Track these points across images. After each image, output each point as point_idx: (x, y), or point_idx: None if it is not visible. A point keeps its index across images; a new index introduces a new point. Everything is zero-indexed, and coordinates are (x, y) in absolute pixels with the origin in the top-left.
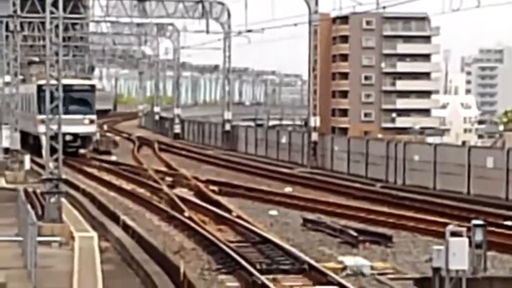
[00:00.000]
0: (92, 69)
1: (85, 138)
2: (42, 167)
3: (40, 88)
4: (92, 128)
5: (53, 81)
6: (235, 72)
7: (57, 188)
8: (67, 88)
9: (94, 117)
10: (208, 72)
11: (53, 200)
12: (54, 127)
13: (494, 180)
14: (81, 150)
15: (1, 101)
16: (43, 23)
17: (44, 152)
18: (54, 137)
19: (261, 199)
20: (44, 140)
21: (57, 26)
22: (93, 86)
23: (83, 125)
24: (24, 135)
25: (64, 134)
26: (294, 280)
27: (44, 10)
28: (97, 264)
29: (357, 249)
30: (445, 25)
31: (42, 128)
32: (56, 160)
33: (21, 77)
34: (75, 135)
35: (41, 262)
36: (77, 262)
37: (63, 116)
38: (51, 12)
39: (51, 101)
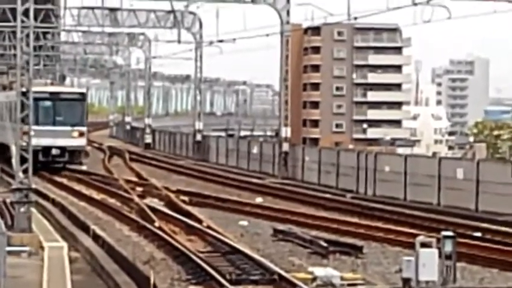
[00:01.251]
0: (63, 78)
1: (73, 153)
2: (12, 176)
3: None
4: (82, 142)
5: (39, 88)
6: (206, 82)
7: (26, 198)
8: (53, 96)
9: (84, 129)
10: (179, 82)
11: (22, 209)
12: (44, 140)
13: (464, 191)
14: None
15: None
16: (14, 32)
17: (14, 163)
18: (41, 151)
19: (232, 209)
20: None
21: (28, 35)
22: (83, 94)
23: (71, 137)
24: (4, 148)
25: (50, 148)
26: None
27: (14, 19)
28: (67, 274)
29: (327, 260)
30: (416, 36)
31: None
32: (26, 170)
33: None
34: (63, 149)
35: (10, 272)
36: (47, 272)
37: (49, 128)
38: (22, 21)
39: (37, 110)
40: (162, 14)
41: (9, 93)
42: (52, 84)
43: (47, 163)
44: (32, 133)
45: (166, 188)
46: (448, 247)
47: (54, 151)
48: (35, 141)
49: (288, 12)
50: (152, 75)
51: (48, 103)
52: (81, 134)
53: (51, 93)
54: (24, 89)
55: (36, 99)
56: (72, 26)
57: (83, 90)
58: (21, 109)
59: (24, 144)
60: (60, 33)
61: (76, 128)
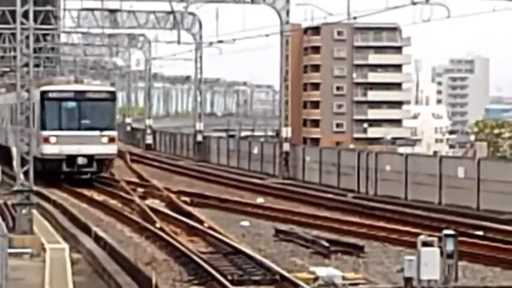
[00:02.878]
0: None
1: (102, 162)
2: (14, 178)
3: (45, 96)
4: (112, 149)
5: (61, 87)
6: (206, 83)
7: (28, 200)
8: (79, 96)
9: (115, 133)
10: (179, 83)
11: (24, 211)
12: (68, 148)
13: (465, 190)
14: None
15: None
16: (14, 34)
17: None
18: (65, 160)
19: (233, 210)
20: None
21: (27, 37)
22: (113, 93)
23: (100, 144)
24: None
25: (75, 157)
26: None
27: (14, 21)
28: (68, 275)
29: (329, 260)
30: (416, 35)
31: (49, 148)
32: (27, 172)
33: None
34: (90, 158)
35: (11, 274)
36: (48, 274)
37: (74, 133)
38: (22, 23)
39: (60, 113)
40: (161, 15)
41: (13, 94)
42: (77, 81)
43: (72, 174)
44: (54, 140)
45: (168, 189)
46: (450, 246)
47: (80, 160)
48: (57, 149)
49: (287, 12)
50: (152, 76)
51: (72, 104)
52: (112, 140)
53: (76, 92)
54: (46, 88)
55: (58, 100)
56: (72, 27)
57: (112, 88)
58: (41, 112)
59: (46, 153)
60: (60, 35)
61: (105, 132)
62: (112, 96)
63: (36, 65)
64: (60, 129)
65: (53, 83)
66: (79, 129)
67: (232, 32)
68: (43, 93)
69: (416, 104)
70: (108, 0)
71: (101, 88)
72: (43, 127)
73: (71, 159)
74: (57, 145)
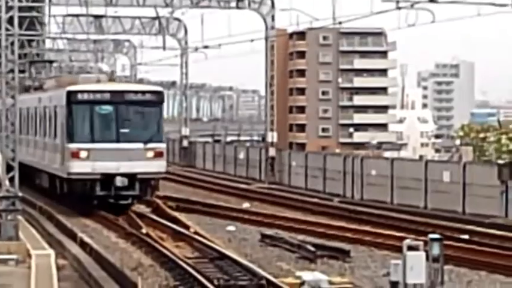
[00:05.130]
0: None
1: (147, 183)
2: None
3: (73, 98)
4: (159, 165)
5: (93, 87)
6: (192, 88)
7: (13, 206)
8: (116, 98)
9: (163, 146)
10: (165, 89)
11: (9, 217)
12: (103, 165)
13: (450, 194)
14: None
15: None
16: None
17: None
18: (99, 181)
19: (219, 215)
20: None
21: (12, 43)
22: (160, 95)
23: (144, 159)
24: (35, 172)
25: (112, 176)
26: None
27: None
28: (54, 282)
29: (315, 264)
30: (401, 40)
31: (78, 166)
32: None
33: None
34: (131, 178)
35: None
36: (34, 280)
37: (110, 146)
38: (7, 29)
39: (92, 120)
40: (147, 20)
41: (46, 94)
42: (112, 79)
43: (107, 198)
44: (85, 155)
45: None
46: (436, 250)
47: (118, 181)
48: (89, 167)
49: (272, 18)
50: (138, 82)
51: (108, 108)
52: (159, 154)
53: (112, 93)
54: (73, 88)
55: (90, 103)
56: (57, 33)
57: (159, 88)
58: (67, 118)
59: (74, 171)
60: (45, 41)
61: (151, 145)
62: (159, 98)
63: (22, 71)
64: (93, 141)
65: (79, 81)
66: (117, 141)
67: (218, 37)
68: (70, 94)
69: (402, 109)
70: (93, 6)
71: (145, 88)
72: (70, 138)
73: (107, 179)
74: (88, 161)
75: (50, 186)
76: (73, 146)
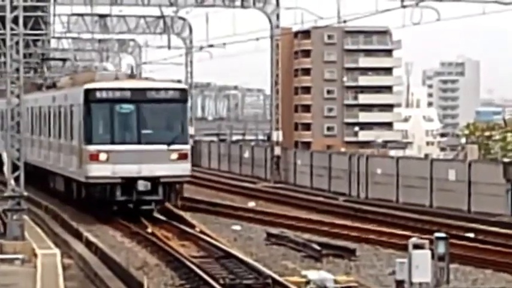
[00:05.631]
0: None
1: (171, 187)
2: (5, 184)
3: (91, 96)
4: (184, 168)
5: (113, 84)
6: (197, 88)
7: (19, 206)
8: (138, 96)
9: (187, 148)
10: None
11: (15, 217)
12: (124, 168)
13: (456, 192)
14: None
15: None
16: (3, 40)
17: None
18: (120, 185)
19: (224, 214)
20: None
21: (17, 43)
22: (184, 92)
23: (167, 162)
24: (48, 175)
25: (134, 180)
26: None
27: (4, 27)
28: (60, 281)
29: (321, 263)
30: (406, 38)
31: (97, 169)
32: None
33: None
34: (154, 181)
35: (3, 280)
36: (40, 279)
37: (131, 147)
38: (12, 29)
39: (112, 120)
40: (151, 19)
41: (61, 92)
42: (132, 76)
43: (128, 203)
44: (104, 157)
45: None
46: (441, 248)
47: (141, 185)
48: (109, 171)
49: (277, 16)
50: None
51: (129, 107)
52: (183, 157)
53: (133, 90)
54: (91, 86)
55: (109, 102)
56: (62, 33)
57: (184, 85)
58: (85, 118)
59: (93, 175)
60: (50, 40)
61: (175, 146)
62: (183, 96)
63: (34, 70)
64: (113, 142)
65: (96, 78)
66: (139, 142)
67: (223, 36)
68: (88, 92)
69: (407, 107)
70: (98, 6)
71: (168, 85)
72: (88, 140)
73: (128, 183)
74: (108, 164)
75: (66, 191)
76: (91, 147)
